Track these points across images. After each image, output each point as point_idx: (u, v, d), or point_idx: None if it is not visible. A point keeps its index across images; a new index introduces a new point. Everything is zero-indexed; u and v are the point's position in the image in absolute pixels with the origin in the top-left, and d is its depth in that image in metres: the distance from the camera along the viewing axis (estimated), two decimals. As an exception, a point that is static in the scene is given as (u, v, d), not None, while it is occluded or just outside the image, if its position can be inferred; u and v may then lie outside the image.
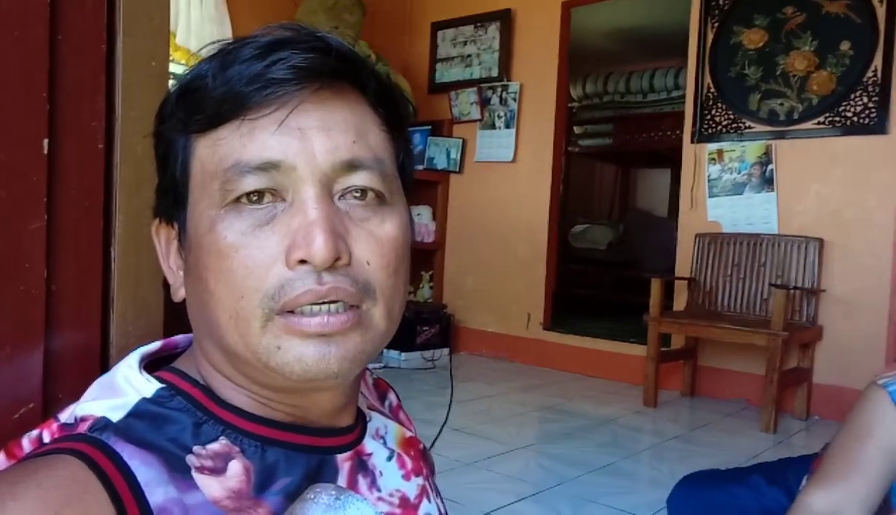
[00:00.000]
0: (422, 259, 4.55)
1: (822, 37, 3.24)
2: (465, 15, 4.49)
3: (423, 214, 4.50)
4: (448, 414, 2.96)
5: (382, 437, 0.58)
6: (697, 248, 3.56)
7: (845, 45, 3.18)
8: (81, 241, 0.52)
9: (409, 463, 0.59)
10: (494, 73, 4.37)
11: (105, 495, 0.40)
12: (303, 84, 0.45)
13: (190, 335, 0.55)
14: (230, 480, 0.45)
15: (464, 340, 4.45)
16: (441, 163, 4.54)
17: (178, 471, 0.43)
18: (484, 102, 4.39)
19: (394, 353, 3.94)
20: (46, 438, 0.45)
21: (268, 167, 0.44)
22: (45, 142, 0.49)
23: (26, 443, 0.45)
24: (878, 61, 3.10)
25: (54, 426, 0.46)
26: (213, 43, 0.47)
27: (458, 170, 4.51)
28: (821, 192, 3.27)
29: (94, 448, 0.42)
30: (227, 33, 3.82)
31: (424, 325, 4.03)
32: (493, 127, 4.37)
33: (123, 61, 0.53)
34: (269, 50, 0.45)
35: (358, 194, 0.47)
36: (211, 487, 0.44)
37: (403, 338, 3.94)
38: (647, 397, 3.31)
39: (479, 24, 4.45)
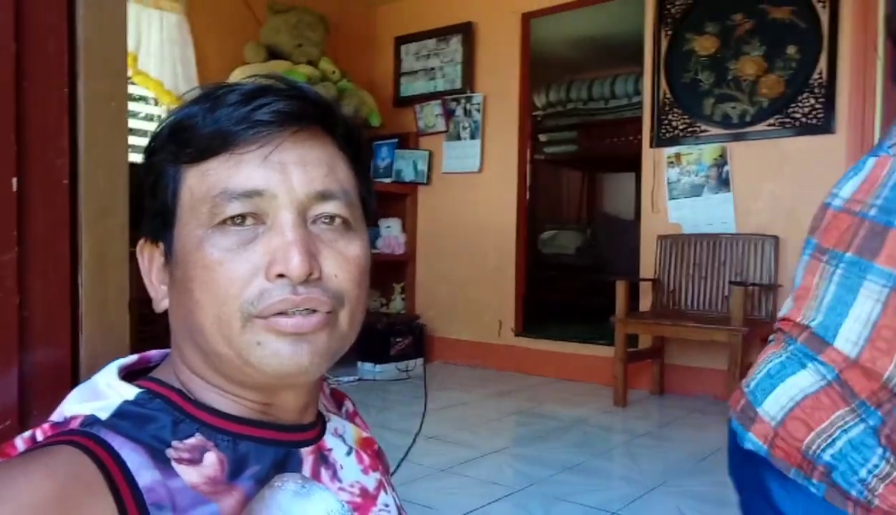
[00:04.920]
0: (393, 270, 4.60)
1: (769, 42, 3.37)
2: (428, 29, 4.57)
3: (392, 226, 4.54)
4: (422, 422, 3.01)
5: (341, 436, 0.64)
6: (660, 250, 3.65)
7: (792, 50, 3.31)
8: (50, 270, 0.57)
9: (366, 459, 0.65)
10: (458, 85, 4.45)
11: (101, 476, 0.45)
12: (283, 126, 0.53)
13: (163, 350, 0.61)
14: (206, 468, 0.50)
15: (438, 350, 4.49)
16: (409, 175, 4.59)
17: (161, 461, 0.49)
18: (449, 114, 4.46)
19: (368, 366, 3.97)
20: (40, 436, 0.50)
21: (252, 194, 0.52)
22: (14, 180, 0.53)
23: (20, 443, 0.50)
24: (822, 64, 3.23)
25: (46, 426, 0.51)
26: (198, 87, 0.55)
27: (425, 181, 4.57)
28: (774, 191, 3.39)
29: (87, 439, 0.47)
30: (189, 55, 3.84)
31: (398, 337, 4.07)
32: (458, 138, 4.44)
33: (85, 103, 0.58)
34: (253, 96, 0.52)
35: (328, 220, 0.55)
36: (189, 474, 0.49)
37: (377, 351, 3.98)
38: (617, 397, 3.39)
39: (441, 38, 4.53)
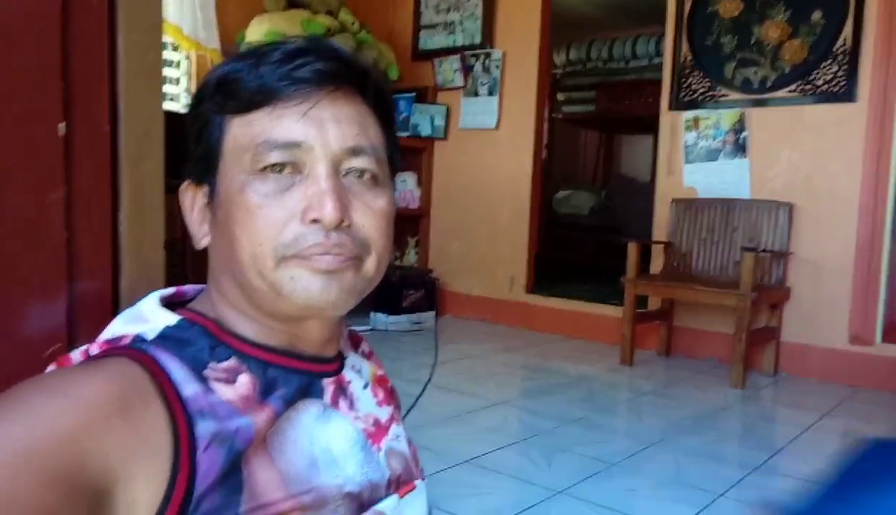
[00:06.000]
0: (407, 224, 4.65)
1: (794, 6, 3.32)
2: (449, -18, 4.52)
3: (408, 181, 4.57)
4: (432, 372, 3.09)
5: (358, 371, 0.70)
6: (674, 213, 3.67)
7: (817, 15, 3.26)
8: (94, 208, 0.62)
9: (380, 394, 0.72)
10: (477, 41, 4.42)
11: (152, 384, 0.51)
12: (321, 85, 0.58)
13: (196, 286, 0.67)
14: (240, 388, 0.57)
15: (449, 303, 4.57)
16: (425, 129, 4.60)
17: (200, 379, 0.55)
18: (467, 69, 4.44)
19: (381, 316, 4.06)
20: (95, 351, 0.56)
21: (291, 145, 0.57)
22: (62, 125, 0.58)
23: (76, 356, 0.56)
24: (847, 31, 3.19)
25: (100, 341, 0.57)
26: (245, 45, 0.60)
27: (442, 136, 4.58)
28: (791, 159, 3.38)
29: (137, 352, 0.54)
30: (209, 1, 3.84)
31: (410, 289, 4.14)
32: (476, 94, 4.43)
33: (124, 54, 0.62)
34: (294, 55, 0.58)
35: (358, 174, 0.60)
36: (225, 392, 0.56)
37: (390, 302, 4.05)
38: (624, 356, 3.45)
39: (462, -9, 4.48)
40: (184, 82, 3.95)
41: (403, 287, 4.10)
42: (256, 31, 3.79)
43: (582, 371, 3.31)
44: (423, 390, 2.81)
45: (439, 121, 4.57)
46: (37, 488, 0.41)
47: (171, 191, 0.67)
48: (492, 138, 4.40)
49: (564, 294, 4.26)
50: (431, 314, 4.25)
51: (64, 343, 0.61)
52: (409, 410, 2.54)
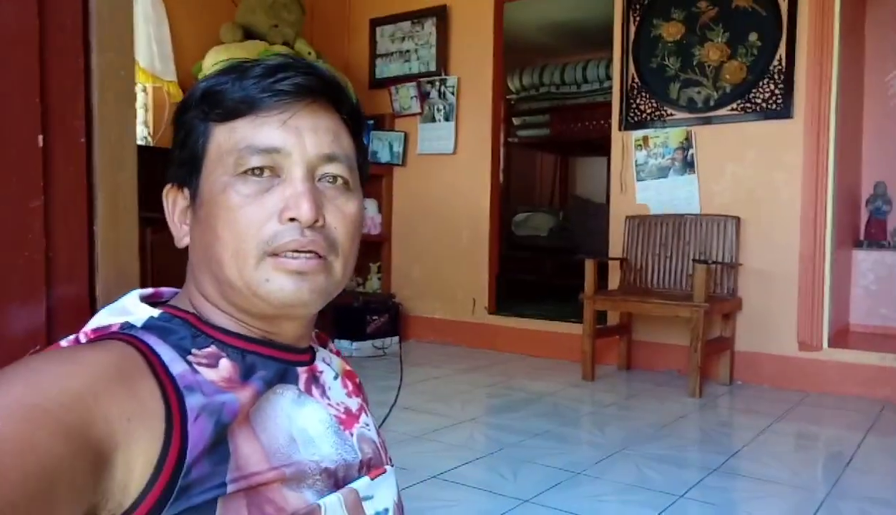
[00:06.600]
0: (369, 251, 4.68)
1: (732, 29, 3.49)
2: (403, 11, 4.63)
3: (369, 207, 4.61)
4: (398, 394, 3.11)
5: (328, 364, 0.75)
6: (628, 230, 3.78)
7: (753, 37, 3.44)
8: (71, 217, 0.66)
9: (350, 386, 0.77)
10: (432, 68, 4.52)
11: (144, 362, 0.55)
12: (300, 97, 0.64)
13: (172, 289, 0.71)
14: (222, 371, 0.61)
15: (412, 328, 4.59)
16: (384, 156, 4.67)
17: (186, 362, 0.59)
18: (423, 96, 4.53)
19: (345, 343, 4.06)
20: (83, 339, 0.59)
21: (271, 151, 0.62)
22: (40, 137, 0.62)
23: (65, 343, 0.59)
24: (782, 51, 3.37)
25: (88, 330, 0.60)
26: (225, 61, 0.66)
27: (401, 162, 4.64)
28: (736, 174, 3.53)
29: (128, 336, 0.58)
30: (165, 34, 3.87)
31: (374, 315, 4.16)
32: (433, 120, 4.52)
33: (98, 72, 0.66)
34: (276, 70, 0.64)
35: (331, 179, 0.66)
36: (209, 374, 0.60)
37: (354, 328, 4.06)
38: (585, 371, 3.52)
39: (415, 20, 4.59)
40: (141, 114, 3.94)
41: (366, 312, 4.12)
42: (213, 62, 3.81)
43: (545, 387, 3.37)
44: (390, 411, 2.83)
45: (398, 148, 4.64)
46: (51, 439, 0.44)
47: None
48: (450, 163, 4.48)
49: (526, 314, 4.33)
50: (395, 338, 4.27)
51: (43, 344, 0.63)
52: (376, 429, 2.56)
